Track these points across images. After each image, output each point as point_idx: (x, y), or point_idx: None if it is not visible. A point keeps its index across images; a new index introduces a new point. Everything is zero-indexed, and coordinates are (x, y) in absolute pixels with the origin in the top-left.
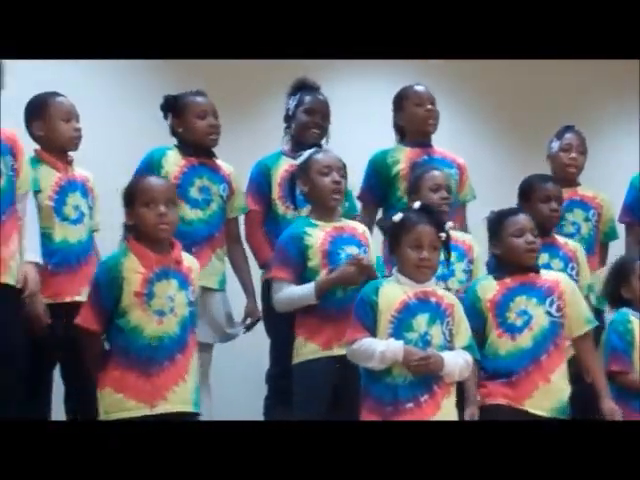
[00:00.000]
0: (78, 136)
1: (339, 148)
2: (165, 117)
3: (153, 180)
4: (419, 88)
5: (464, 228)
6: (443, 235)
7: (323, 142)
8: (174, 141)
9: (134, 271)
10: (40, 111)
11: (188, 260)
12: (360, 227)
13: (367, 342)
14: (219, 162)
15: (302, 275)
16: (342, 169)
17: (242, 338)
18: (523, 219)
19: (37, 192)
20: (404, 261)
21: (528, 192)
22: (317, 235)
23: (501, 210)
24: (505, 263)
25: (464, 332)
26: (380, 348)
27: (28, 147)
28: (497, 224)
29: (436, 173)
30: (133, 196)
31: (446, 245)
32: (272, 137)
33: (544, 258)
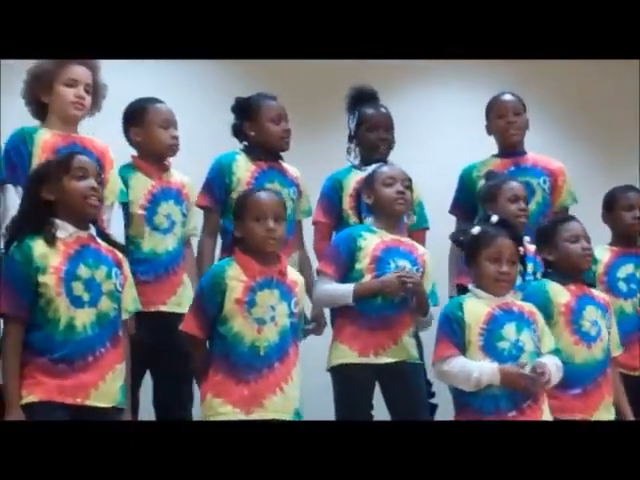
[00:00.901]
0: (175, 144)
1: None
2: (237, 119)
3: (263, 195)
4: (503, 98)
5: None
6: (522, 249)
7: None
8: (231, 142)
9: (237, 279)
10: (138, 117)
11: (294, 274)
12: (421, 249)
13: (459, 364)
14: (286, 165)
15: (348, 275)
16: (406, 181)
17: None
18: (577, 225)
19: (128, 202)
20: (483, 275)
21: (611, 201)
22: (372, 240)
23: (555, 217)
24: (560, 269)
25: (548, 337)
26: (475, 374)
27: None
28: (551, 230)
29: (514, 184)
30: (243, 210)
31: (522, 259)
32: (335, 141)
33: (629, 269)
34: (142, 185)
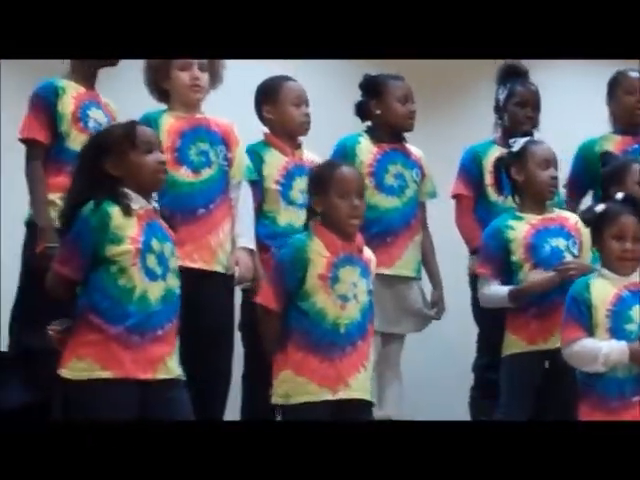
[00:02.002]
0: (307, 121)
1: (550, 137)
2: (363, 96)
3: (348, 171)
4: (633, 74)
5: None
6: None
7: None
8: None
9: (319, 254)
10: (271, 95)
11: (368, 252)
12: (573, 218)
13: (588, 344)
14: (408, 146)
15: (505, 269)
16: (557, 163)
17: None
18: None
19: (262, 177)
20: (607, 253)
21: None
22: (521, 228)
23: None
24: None
25: None
26: (604, 350)
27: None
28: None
29: None
30: (327, 184)
31: None
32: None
33: None
34: (276, 161)
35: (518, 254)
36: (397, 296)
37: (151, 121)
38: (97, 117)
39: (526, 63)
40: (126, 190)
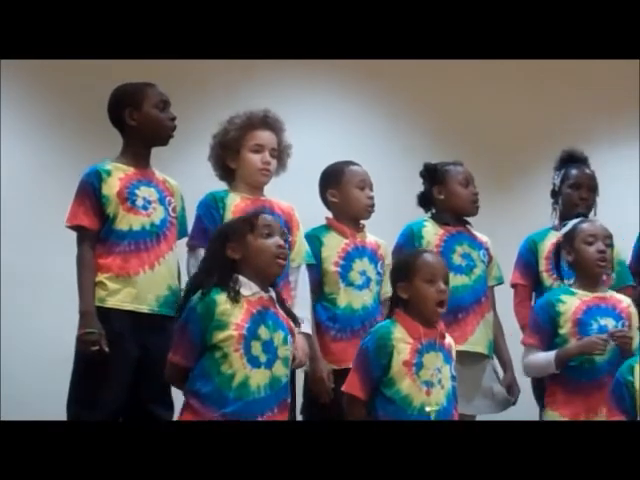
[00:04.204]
0: (371, 204)
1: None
2: (424, 184)
3: (433, 257)
4: None
5: None
6: None
7: (591, 215)
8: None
9: (403, 341)
10: (335, 179)
11: (449, 337)
12: (626, 301)
13: None
14: (474, 231)
15: (553, 342)
16: (608, 238)
17: None
18: None
19: (321, 259)
20: None
21: None
22: (571, 303)
23: None
24: None
25: None
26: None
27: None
28: None
29: None
30: (413, 270)
31: None
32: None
33: None
34: (336, 243)
35: (566, 328)
36: (469, 374)
37: (217, 200)
38: (147, 195)
39: (588, 150)
40: (239, 276)
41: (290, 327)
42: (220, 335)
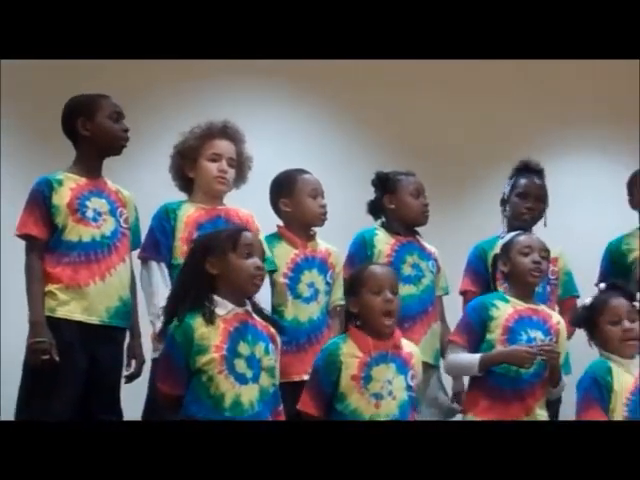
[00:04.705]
0: (324, 212)
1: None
2: (376, 192)
3: (380, 268)
4: None
5: None
6: (637, 304)
7: (540, 224)
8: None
9: (352, 356)
10: (287, 188)
11: (410, 347)
12: (556, 317)
13: None
14: (422, 241)
15: (479, 345)
16: (544, 251)
17: None
18: None
19: (273, 271)
20: (608, 340)
21: None
22: (505, 310)
23: None
24: None
25: None
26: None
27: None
28: None
29: None
30: (360, 284)
31: None
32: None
33: None
34: (285, 253)
35: (495, 333)
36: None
37: (169, 211)
38: (98, 206)
39: (544, 162)
40: (214, 296)
41: (271, 335)
42: (202, 359)
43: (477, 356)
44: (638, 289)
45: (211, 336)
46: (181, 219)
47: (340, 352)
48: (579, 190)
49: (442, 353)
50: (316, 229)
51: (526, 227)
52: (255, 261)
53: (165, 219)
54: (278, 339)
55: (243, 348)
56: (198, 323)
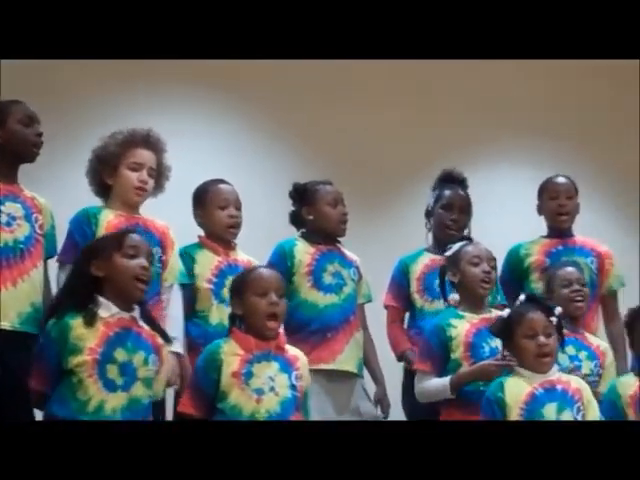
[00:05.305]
0: (231, 223)
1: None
2: (294, 204)
3: (265, 271)
4: (557, 180)
5: (615, 318)
6: (554, 320)
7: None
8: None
9: (233, 354)
10: (200, 198)
11: (294, 351)
12: None
13: None
14: (343, 249)
15: (445, 366)
16: (492, 260)
17: None
18: None
19: (194, 276)
20: (522, 353)
21: None
22: (462, 327)
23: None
24: None
25: (593, 412)
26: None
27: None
28: (633, 324)
29: (569, 269)
30: (245, 286)
31: (559, 330)
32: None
33: None
34: (209, 260)
35: (458, 352)
36: (338, 392)
37: (90, 215)
38: (12, 211)
39: (468, 170)
40: (98, 297)
41: (155, 346)
42: (74, 360)
43: (447, 380)
44: (544, 300)
45: (88, 338)
46: (102, 224)
47: (221, 351)
48: (498, 198)
49: (365, 361)
50: (239, 239)
51: (451, 240)
52: (140, 261)
53: (86, 223)
54: (165, 351)
55: (120, 354)
56: (77, 323)
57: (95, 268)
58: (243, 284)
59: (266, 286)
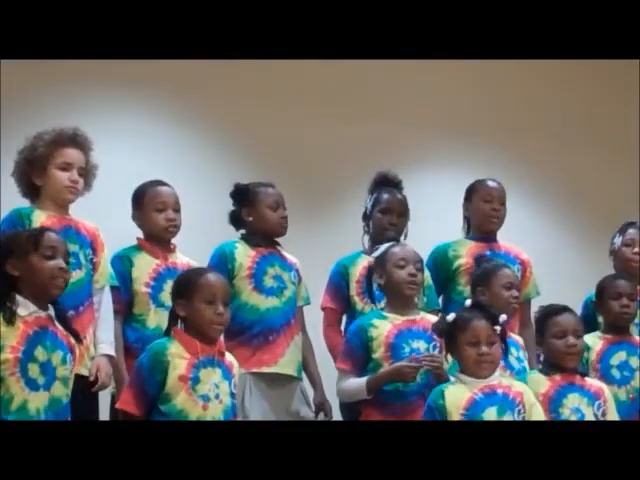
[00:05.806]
0: (171, 225)
1: (416, 243)
2: (234, 205)
3: (215, 277)
4: (490, 184)
5: (528, 325)
6: (498, 328)
7: (401, 239)
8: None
9: (179, 356)
10: (137, 201)
11: (230, 356)
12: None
13: None
14: (283, 252)
15: (366, 366)
16: (419, 262)
17: None
18: (565, 320)
19: (132, 280)
20: (464, 360)
21: (601, 290)
22: (383, 327)
23: (548, 308)
24: (546, 362)
25: (537, 416)
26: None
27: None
28: (542, 323)
29: (508, 271)
30: (192, 289)
31: (503, 338)
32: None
33: (622, 356)
34: (147, 263)
35: (379, 352)
36: (278, 396)
37: (23, 216)
38: None
39: (402, 172)
40: (16, 296)
41: (71, 345)
42: None
43: (364, 380)
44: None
45: (9, 336)
46: (35, 225)
47: (167, 352)
48: (435, 201)
49: (303, 365)
50: (177, 241)
51: (392, 239)
52: (57, 262)
53: (19, 223)
54: (77, 351)
55: (40, 353)
56: None
57: (11, 267)
58: (191, 287)
59: (214, 293)
